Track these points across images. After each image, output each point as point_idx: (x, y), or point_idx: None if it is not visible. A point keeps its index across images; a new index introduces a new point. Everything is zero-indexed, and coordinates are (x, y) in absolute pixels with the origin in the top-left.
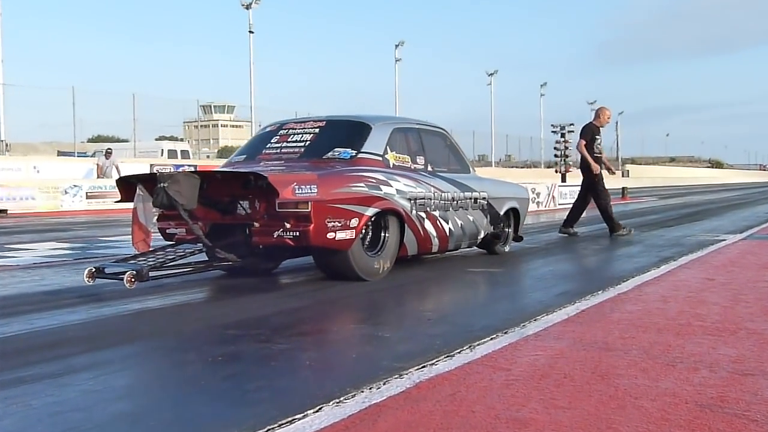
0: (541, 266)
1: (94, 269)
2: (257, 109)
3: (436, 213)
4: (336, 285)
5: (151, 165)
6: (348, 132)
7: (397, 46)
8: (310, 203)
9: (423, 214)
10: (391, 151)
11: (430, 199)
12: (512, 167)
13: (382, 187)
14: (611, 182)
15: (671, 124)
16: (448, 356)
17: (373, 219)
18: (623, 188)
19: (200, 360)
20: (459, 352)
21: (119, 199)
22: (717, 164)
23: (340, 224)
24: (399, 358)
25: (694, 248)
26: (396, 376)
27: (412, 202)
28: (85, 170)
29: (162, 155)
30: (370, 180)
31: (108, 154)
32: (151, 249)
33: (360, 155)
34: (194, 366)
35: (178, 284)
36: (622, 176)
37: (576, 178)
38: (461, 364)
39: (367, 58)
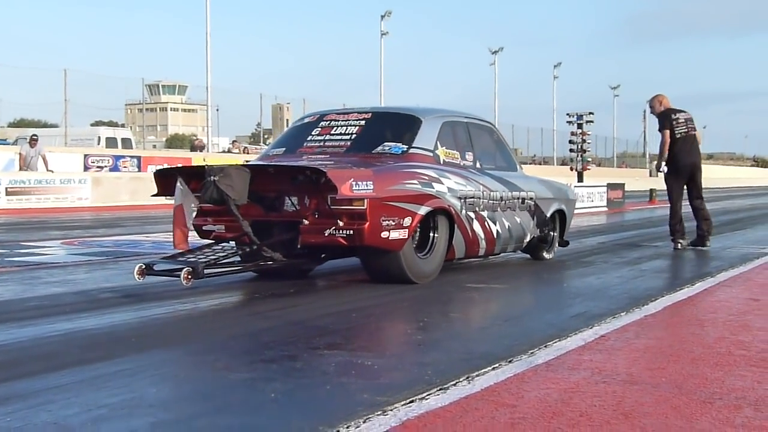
0: (553, 281)
1: (144, 266)
2: (215, 90)
3: (485, 213)
4: (308, 303)
5: (85, 155)
6: (397, 125)
7: (383, 17)
8: (366, 200)
9: (472, 214)
10: (441, 147)
11: (479, 198)
12: (519, 163)
13: (434, 184)
14: (637, 183)
15: (710, 114)
16: (441, 389)
17: (423, 218)
18: (651, 190)
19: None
20: (454, 385)
21: (155, 192)
22: (763, 163)
23: (394, 223)
24: (382, 391)
25: (735, 262)
26: (378, 412)
27: (462, 201)
28: (4, 160)
29: (99, 144)
30: (423, 177)
31: (33, 141)
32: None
33: (411, 150)
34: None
35: (180, 290)
36: (650, 176)
37: (594, 177)
38: (457, 399)
39: (348, 32)
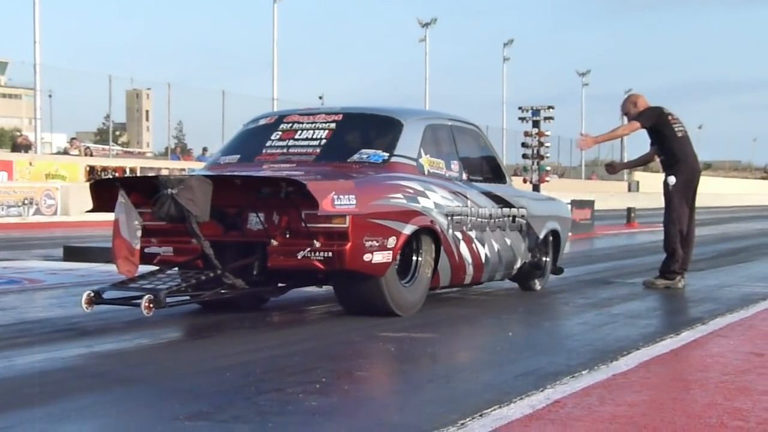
0: (495, 329)
1: (93, 294)
2: (47, 70)
3: (472, 233)
4: (200, 347)
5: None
6: (374, 129)
7: None
8: (348, 217)
9: (459, 234)
10: (425, 154)
11: (467, 215)
12: (508, 173)
13: (419, 199)
14: (612, 201)
15: (707, 110)
16: None
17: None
18: (629, 210)
19: None
20: None
21: (91, 208)
22: None
23: (377, 244)
24: None
25: (734, 305)
26: None
27: (449, 218)
28: None
29: None
30: (407, 190)
31: None
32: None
33: (393, 159)
34: None
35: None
36: (629, 190)
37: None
38: None
39: None
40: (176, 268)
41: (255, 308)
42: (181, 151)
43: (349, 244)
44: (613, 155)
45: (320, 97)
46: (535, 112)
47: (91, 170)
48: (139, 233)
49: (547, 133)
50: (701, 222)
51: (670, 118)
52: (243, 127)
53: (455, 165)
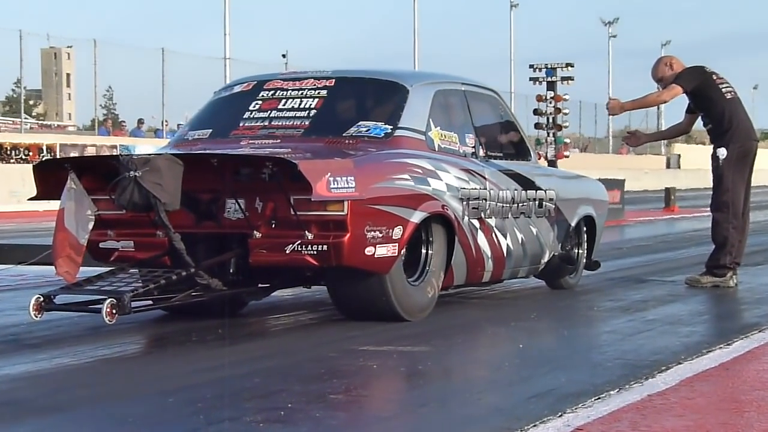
0: (505, 339)
1: (42, 299)
2: None
3: (492, 221)
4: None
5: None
6: (374, 96)
7: None
8: (346, 203)
9: (476, 223)
10: (435, 127)
11: (485, 199)
12: (533, 148)
13: (429, 180)
14: (646, 180)
15: (761, 65)
16: None
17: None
18: (667, 191)
19: None
20: None
21: (34, 195)
22: None
23: (381, 235)
24: None
25: None
26: None
27: (464, 203)
28: None
29: None
30: (415, 170)
31: None
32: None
33: (398, 132)
34: None
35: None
36: (668, 167)
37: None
38: None
39: None
40: (138, 267)
41: (231, 314)
42: (111, 123)
43: (348, 236)
44: (648, 124)
45: (283, 56)
46: (551, 71)
47: None
48: (90, 225)
49: (565, 97)
50: (758, 205)
51: (715, 78)
52: (214, 95)
53: (470, 139)
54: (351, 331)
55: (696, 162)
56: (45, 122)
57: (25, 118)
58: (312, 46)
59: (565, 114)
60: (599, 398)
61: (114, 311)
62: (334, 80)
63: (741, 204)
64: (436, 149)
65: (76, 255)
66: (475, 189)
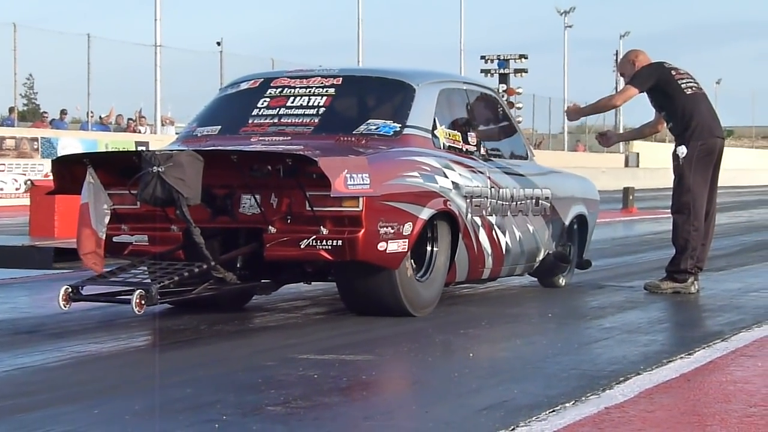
0: (453, 348)
1: (70, 289)
2: None
3: (492, 219)
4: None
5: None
6: (382, 95)
7: None
8: (361, 200)
9: (478, 220)
10: (441, 125)
11: (487, 197)
12: (530, 147)
13: (437, 178)
14: (604, 179)
15: (727, 59)
16: None
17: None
18: (626, 191)
19: None
20: None
21: (52, 189)
22: None
23: (392, 231)
24: None
25: (763, 316)
26: None
27: (468, 201)
28: None
29: None
30: (424, 168)
31: None
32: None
33: (406, 131)
34: None
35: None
36: (626, 165)
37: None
38: None
39: None
40: (156, 261)
41: (235, 308)
42: (29, 114)
43: (363, 231)
44: (605, 121)
45: (218, 43)
46: (503, 62)
47: None
48: (107, 219)
49: (518, 90)
50: (722, 206)
51: (674, 73)
52: (220, 92)
53: (473, 137)
54: (290, 338)
55: (656, 161)
56: None
57: None
58: (248, 33)
59: (519, 108)
60: (554, 411)
61: (143, 302)
62: (341, 78)
63: (703, 205)
64: (442, 147)
65: (99, 248)
66: (478, 187)
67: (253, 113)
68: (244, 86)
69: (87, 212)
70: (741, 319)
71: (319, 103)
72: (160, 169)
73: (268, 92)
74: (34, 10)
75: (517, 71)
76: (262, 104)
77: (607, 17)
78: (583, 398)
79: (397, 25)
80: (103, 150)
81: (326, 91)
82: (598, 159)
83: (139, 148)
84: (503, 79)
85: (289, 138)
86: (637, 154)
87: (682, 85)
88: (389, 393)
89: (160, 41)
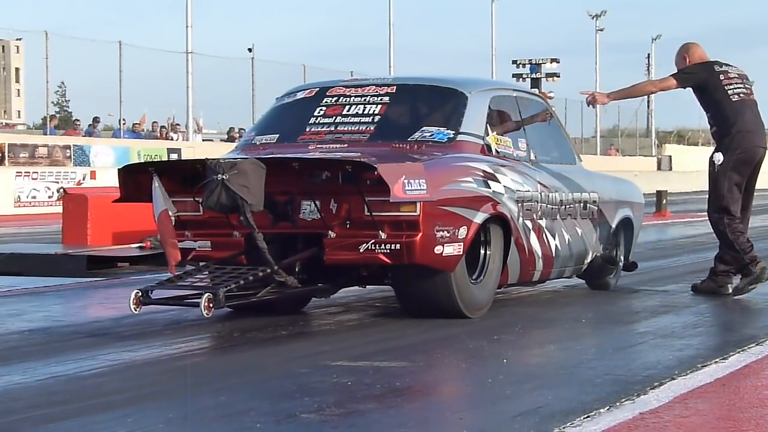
0: (486, 354)
1: (140, 293)
2: None
3: (543, 222)
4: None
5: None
6: (435, 103)
7: None
8: (419, 205)
9: (529, 224)
10: (492, 132)
11: (537, 201)
12: (577, 153)
13: (490, 183)
14: (636, 182)
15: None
16: None
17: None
18: (659, 194)
19: None
20: None
21: (118, 197)
22: None
23: (448, 235)
24: None
25: None
26: None
27: (519, 205)
28: None
29: None
30: (477, 173)
31: None
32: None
33: (459, 137)
34: None
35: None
36: (658, 168)
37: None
38: None
39: None
40: (221, 265)
41: (295, 311)
42: (61, 122)
43: (420, 235)
44: (637, 122)
45: (249, 50)
46: (535, 67)
47: None
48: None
49: (550, 94)
50: (758, 209)
51: (722, 77)
52: (277, 101)
53: (522, 143)
54: (323, 345)
55: (688, 164)
56: None
57: None
58: (279, 39)
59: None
60: (588, 417)
61: (211, 305)
62: (395, 87)
63: (737, 210)
64: (494, 153)
65: (177, 251)
66: (528, 192)
67: (310, 122)
68: (300, 95)
69: (166, 221)
70: None
71: (374, 111)
72: (224, 177)
73: (324, 101)
74: (65, 18)
75: (549, 75)
76: (319, 113)
77: (638, 20)
78: (618, 404)
79: (428, 29)
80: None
81: (381, 100)
82: (630, 162)
83: (203, 158)
84: (535, 83)
85: (346, 145)
86: (670, 157)
87: (729, 91)
88: (423, 400)
89: (191, 48)
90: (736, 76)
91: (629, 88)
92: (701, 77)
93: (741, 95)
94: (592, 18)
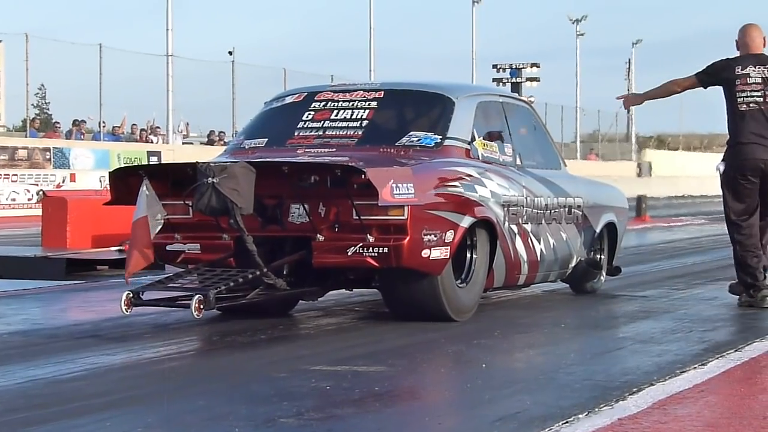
0: (466, 359)
1: (131, 295)
2: None
3: (528, 227)
4: None
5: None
6: (422, 108)
7: None
8: (406, 208)
9: (515, 228)
10: (478, 137)
11: (522, 206)
12: (562, 157)
13: (476, 187)
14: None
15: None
16: None
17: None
18: (639, 199)
19: None
20: None
21: (108, 200)
22: None
23: (435, 238)
24: None
25: None
26: None
27: (505, 209)
28: None
29: None
30: (464, 177)
31: None
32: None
33: (447, 142)
34: None
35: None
36: (638, 174)
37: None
38: None
39: None
40: (211, 268)
41: (282, 313)
42: (40, 124)
43: (408, 239)
44: (617, 127)
45: (230, 53)
46: (515, 71)
47: None
48: (158, 228)
49: (530, 99)
50: None
51: (738, 82)
52: (265, 105)
53: (508, 148)
54: (302, 349)
55: (668, 169)
56: None
57: None
58: (259, 42)
59: None
60: (567, 422)
61: (201, 306)
62: (383, 92)
63: (747, 223)
64: (480, 158)
65: (148, 257)
66: (514, 196)
67: (298, 126)
68: (288, 100)
69: (142, 228)
70: (755, 329)
71: (362, 116)
72: (215, 180)
73: (312, 106)
74: (45, 21)
75: (529, 79)
76: (307, 117)
77: (619, 25)
78: (596, 409)
79: (409, 33)
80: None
81: (369, 105)
82: (610, 167)
83: (194, 161)
84: (515, 87)
85: (334, 150)
86: (650, 162)
87: (738, 99)
88: (402, 404)
89: (171, 51)
90: (756, 81)
91: (657, 89)
92: (719, 77)
93: (751, 104)
94: (573, 23)
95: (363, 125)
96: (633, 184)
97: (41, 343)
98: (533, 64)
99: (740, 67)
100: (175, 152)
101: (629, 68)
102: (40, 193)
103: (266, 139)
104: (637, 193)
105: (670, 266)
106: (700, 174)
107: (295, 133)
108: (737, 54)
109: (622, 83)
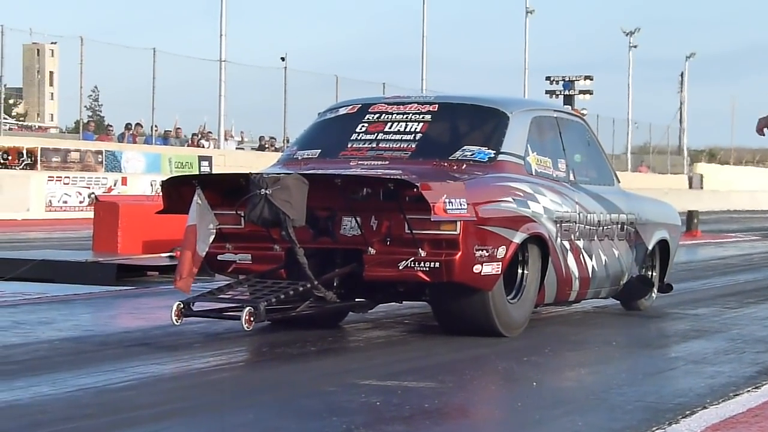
0: (517, 376)
1: (182, 305)
2: None
3: (580, 243)
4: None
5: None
6: (477, 122)
7: None
8: (459, 224)
9: (567, 244)
10: (532, 152)
11: (575, 222)
12: (616, 173)
13: (529, 203)
14: (667, 200)
15: None
16: None
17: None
18: (690, 214)
19: None
20: None
21: (161, 208)
22: None
23: (487, 254)
24: None
25: None
26: None
27: (558, 226)
28: None
29: None
30: (517, 193)
31: None
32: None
33: (500, 157)
34: None
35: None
36: (690, 187)
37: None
38: None
39: None
40: (262, 279)
41: (332, 325)
42: (95, 126)
43: (459, 254)
44: (669, 140)
45: (282, 59)
46: (568, 83)
47: None
48: (211, 238)
49: (583, 111)
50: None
51: None
52: (319, 116)
53: (562, 164)
54: (352, 363)
55: (720, 183)
56: (25, 123)
57: (4, 119)
58: (312, 48)
59: None
60: None
61: (252, 318)
62: (437, 105)
63: None
64: (533, 173)
65: (195, 268)
66: (567, 212)
67: (351, 138)
68: (342, 111)
69: (192, 235)
70: None
71: (416, 129)
72: (267, 192)
73: (366, 118)
74: (100, 24)
75: (582, 92)
76: (361, 129)
77: (672, 38)
78: None
79: (462, 42)
80: (167, 165)
81: (423, 118)
82: (661, 180)
83: (246, 172)
84: (568, 100)
85: (387, 162)
86: (701, 176)
87: None
88: (452, 423)
89: (224, 56)
90: None
91: None
92: None
93: None
94: (626, 35)
95: (416, 138)
96: (684, 196)
97: (91, 351)
98: (587, 77)
99: None
100: (226, 157)
101: (682, 81)
102: (92, 196)
103: (319, 151)
104: (688, 207)
105: (721, 283)
106: (751, 188)
107: (349, 145)
108: None
109: (675, 96)
